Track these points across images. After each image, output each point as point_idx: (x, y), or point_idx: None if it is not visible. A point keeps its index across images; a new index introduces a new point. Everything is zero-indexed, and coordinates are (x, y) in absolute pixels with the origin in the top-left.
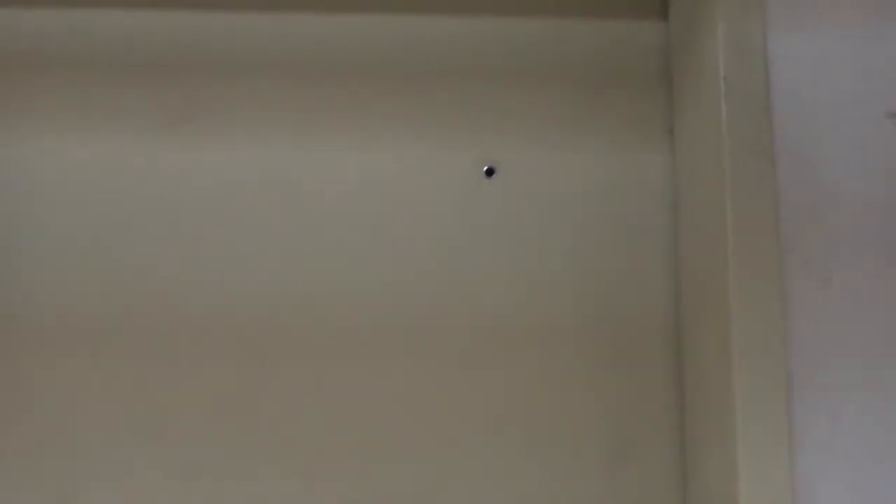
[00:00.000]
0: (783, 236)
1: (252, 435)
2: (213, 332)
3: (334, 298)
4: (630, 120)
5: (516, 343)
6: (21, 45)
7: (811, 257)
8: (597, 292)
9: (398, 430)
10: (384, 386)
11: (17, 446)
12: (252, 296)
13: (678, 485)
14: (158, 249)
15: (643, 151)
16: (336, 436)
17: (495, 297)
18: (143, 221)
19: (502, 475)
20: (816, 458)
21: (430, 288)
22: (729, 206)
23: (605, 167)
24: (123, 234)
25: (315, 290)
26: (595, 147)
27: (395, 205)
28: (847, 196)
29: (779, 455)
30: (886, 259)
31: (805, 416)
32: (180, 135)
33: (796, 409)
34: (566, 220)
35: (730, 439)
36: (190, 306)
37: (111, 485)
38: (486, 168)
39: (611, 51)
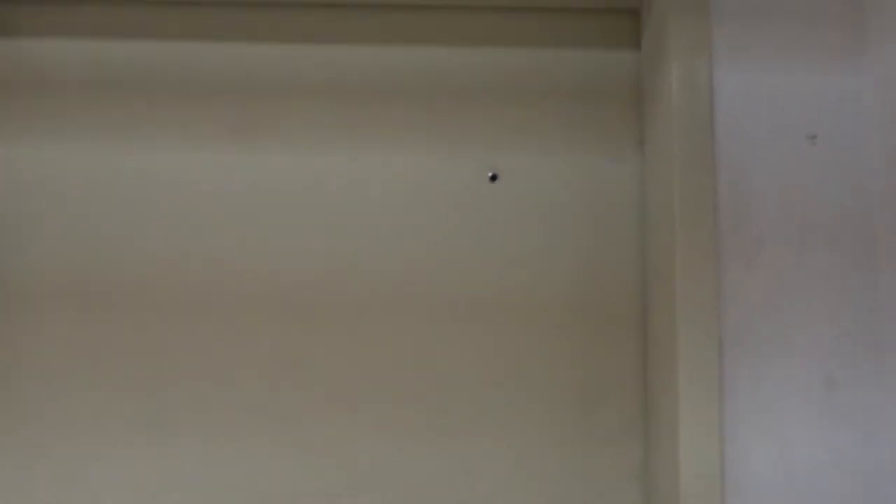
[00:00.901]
0: (718, 230)
1: (299, 384)
2: (270, 302)
3: (364, 276)
4: (609, 133)
5: (513, 314)
6: (114, 73)
7: (740, 246)
8: (579, 273)
9: (412, 381)
10: (401, 347)
11: (106, 398)
12: (298, 274)
13: (641, 429)
14: (229, 236)
15: (619, 159)
16: (363, 383)
17: (496, 277)
18: (215, 213)
19: (493, 418)
20: (741, 406)
21: (443, 269)
22: (676, 205)
23: (588, 172)
24: (198, 223)
25: (347, 271)
26: (580, 156)
27: (415, 202)
28: (771, 199)
29: (711, 403)
30: (799, 249)
31: (732, 371)
32: (241, 144)
33: (725, 365)
34: (556, 215)
35: (673, 391)
36: (252, 281)
37: (197, 419)
38: (490, 174)
39: (594, 75)
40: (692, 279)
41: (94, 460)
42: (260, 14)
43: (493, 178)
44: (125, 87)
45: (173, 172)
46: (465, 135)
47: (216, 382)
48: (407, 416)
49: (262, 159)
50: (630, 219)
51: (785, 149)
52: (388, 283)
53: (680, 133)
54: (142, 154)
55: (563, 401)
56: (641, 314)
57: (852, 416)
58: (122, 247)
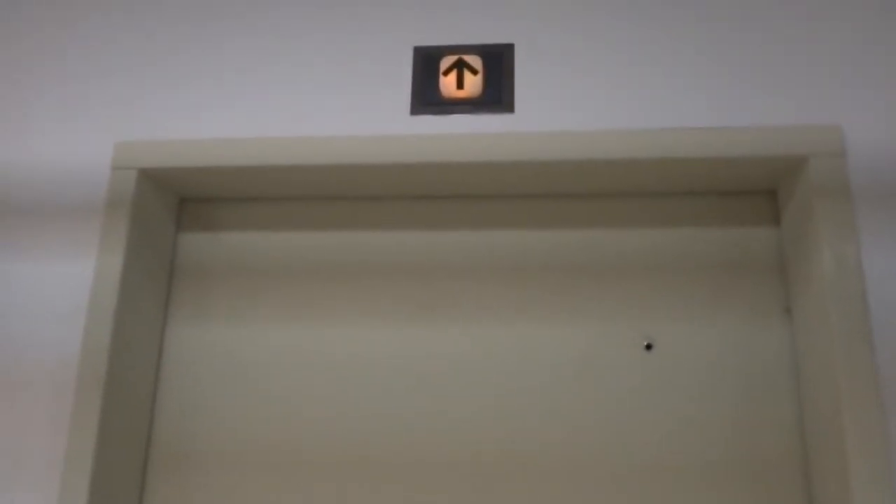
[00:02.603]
0: (884, 400)
1: None
2: (443, 464)
3: (530, 440)
4: (754, 302)
5: (673, 478)
6: (302, 261)
7: None
8: (734, 437)
9: None
10: None
11: None
12: (471, 438)
13: None
14: (410, 404)
15: (766, 326)
16: None
17: (655, 441)
18: (398, 385)
19: None
20: None
21: (608, 433)
22: (841, 379)
23: (738, 339)
24: (377, 394)
25: (514, 435)
26: (729, 324)
27: (579, 371)
28: None
29: None
30: None
31: None
32: (421, 321)
33: None
34: (709, 381)
35: None
36: (428, 445)
37: None
38: (646, 344)
39: (737, 250)
40: (863, 450)
41: None
42: (431, 205)
43: (649, 346)
44: (312, 273)
45: (356, 349)
46: (621, 308)
47: None
48: None
49: (441, 335)
50: (780, 381)
51: None
52: (553, 447)
53: (836, 311)
54: (327, 332)
55: None
56: (799, 473)
57: None
58: (308, 416)
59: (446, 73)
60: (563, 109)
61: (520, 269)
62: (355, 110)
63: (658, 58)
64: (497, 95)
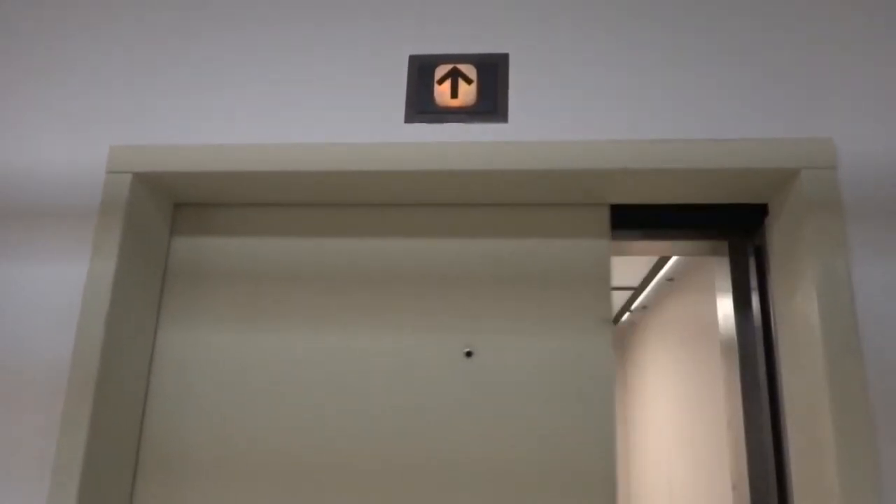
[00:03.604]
0: (873, 411)
1: None
2: (285, 468)
3: (354, 440)
4: (577, 313)
5: (484, 483)
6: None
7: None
8: (549, 441)
9: None
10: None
11: None
12: (303, 440)
13: None
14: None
15: (587, 336)
16: None
17: (470, 444)
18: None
19: None
20: None
21: (425, 435)
22: (830, 392)
23: (557, 349)
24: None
25: (341, 435)
26: (551, 334)
27: (399, 377)
28: None
29: None
30: None
31: None
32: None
33: None
34: (527, 389)
35: None
36: (277, 438)
37: None
38: (465, 351)
39: (564, 262)
40: (852, 464)
41: None
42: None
43: (469, 354)
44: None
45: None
46: (445, 317)
47: None
48: None
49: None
50: (597, 391)
51: None
52: (367, 450)
53: (824, 326)
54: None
55: None
56: (609, 482)
57: None
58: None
59: (441, 81)
60: (556, 119)
61: (352, 281)
62: (350, 117)
63: (650, 70)
64: (491, 105)
